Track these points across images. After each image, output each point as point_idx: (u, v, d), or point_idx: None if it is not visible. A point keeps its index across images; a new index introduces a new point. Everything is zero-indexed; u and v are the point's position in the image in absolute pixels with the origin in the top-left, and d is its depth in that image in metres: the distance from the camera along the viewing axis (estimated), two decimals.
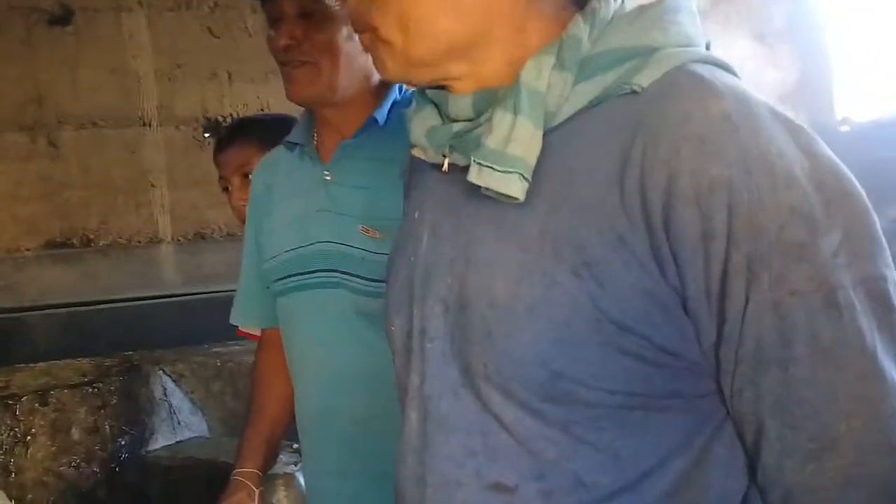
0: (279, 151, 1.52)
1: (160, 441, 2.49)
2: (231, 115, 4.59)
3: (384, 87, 1.41)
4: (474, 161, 0.73)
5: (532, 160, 0.71)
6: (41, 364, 2.66)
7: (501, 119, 0.73)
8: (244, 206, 1.70)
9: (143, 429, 2.50)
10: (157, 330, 3.82)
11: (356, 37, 1.38)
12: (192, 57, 4.70)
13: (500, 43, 0.75)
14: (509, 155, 0.71)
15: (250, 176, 1.64)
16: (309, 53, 1.35)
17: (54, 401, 2.46)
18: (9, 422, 2.41)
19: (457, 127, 0.78)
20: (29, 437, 2.38)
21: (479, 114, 0.76)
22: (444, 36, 0.75)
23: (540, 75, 0.72)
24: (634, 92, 0.70)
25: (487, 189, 0.73)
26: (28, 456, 2.38)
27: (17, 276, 4.31)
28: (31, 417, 2.43)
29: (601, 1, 0.74)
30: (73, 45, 4.55)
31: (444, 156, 0.79)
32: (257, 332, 1.76)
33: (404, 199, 0.95)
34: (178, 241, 4.62)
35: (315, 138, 1.45)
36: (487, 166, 0.72)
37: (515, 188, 0.71)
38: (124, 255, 4.52)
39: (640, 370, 0.68)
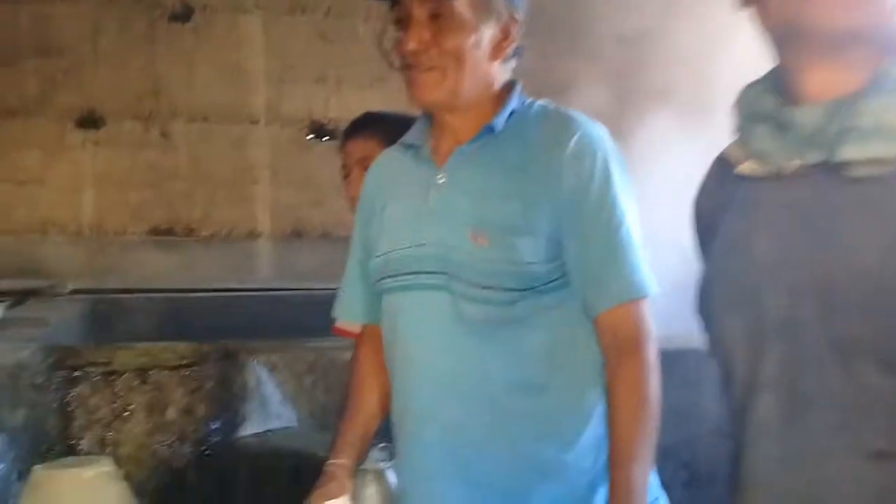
0: (394, 151, 1.54)
1: (250, 429, 2.55)
2: (335, 118, 4.70)
3: (505, 95, 1.43)
4: (846, 144, 0.83)
5: None
6: (142, 344, 2.75)
7: (867, 107, 0.84)
8: (357, 198, 1.72)
9: (235, 415, 2.56)
10: (251, 321, 3.94)
11: (482, 44, 1.41)
12: (303, 60, 4.83)
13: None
14: (885, 126, 0.83)
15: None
16: (436, 58, 1.36)
17: (153, 380, 2.54)
18: (109, 397, 2.51)
19: (808, 130, 0.87)
20: (127, 414, 2.47)
21: (829, 118, 0.86)
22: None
23: None
24: None
25: (859, 167, 0.82)
26: (125, 431, 2.47)
27: (123, 259, 4.48)
28: (130, 395, 2.52)
29: None
30: (192, 41, 4.73)
31: (796, 159, 0.88)
32: (353, 331, 1.79)
33: (716, 214, 1.02)
34: (276, 237, 4.75)
35: (431, 141, 1.47)
36: (860, 143, 0.83)
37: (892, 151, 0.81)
38: (223, 246, 4.67)
39: None
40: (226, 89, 4.75)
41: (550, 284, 1.35)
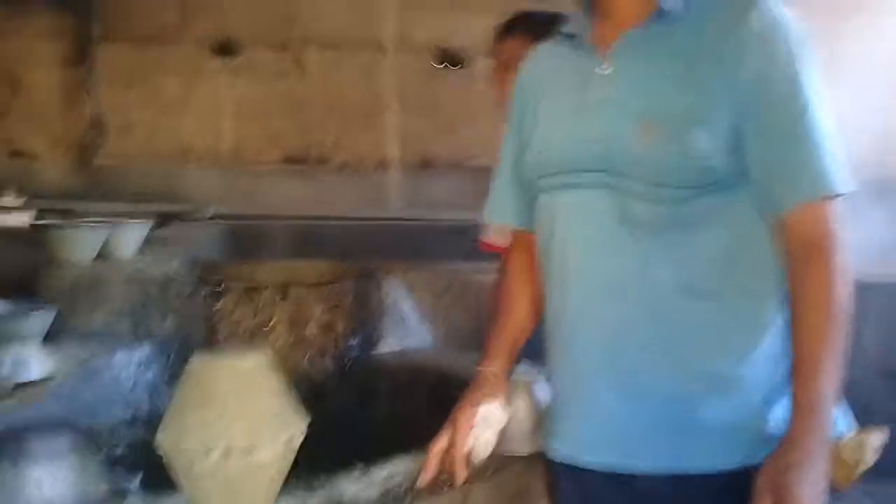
0: (551, 45, 1.45)
1: (387, 346, 2.56)
2: (463, 47, 4.61)
3: None
4: None
5: None
6: (282, 262, 2.79)
7: None
8: (507, 98, 1.65)
9: (373, 332, 2.57)
10: (381, 249, 3.96)
11: None
12: None
13: None
14: None
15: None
16: None
17: (293, 296, 2.57)
18: (252, 311, 2.55)
19: None
20: (269, 328, 2.51)
21: None
22: None
23: None
24: None
25: None
26: (267, 344, 2.51)
27: (259, 185, 4.58)
28: (271, 309, 2.55)
29: None
30: None
31: None
32: (501, 245, 1.74)
33: None
34: (406, 166, 4.75)
35: (593, 30, 1.38)
36: None
37: None
38: (354, 175, 4.69)
39: None
40: (356, 17, 4.74)
41: (728, 181, 1.24)
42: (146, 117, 4.59)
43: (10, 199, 4.15)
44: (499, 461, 1.44)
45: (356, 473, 1.43)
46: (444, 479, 1.37)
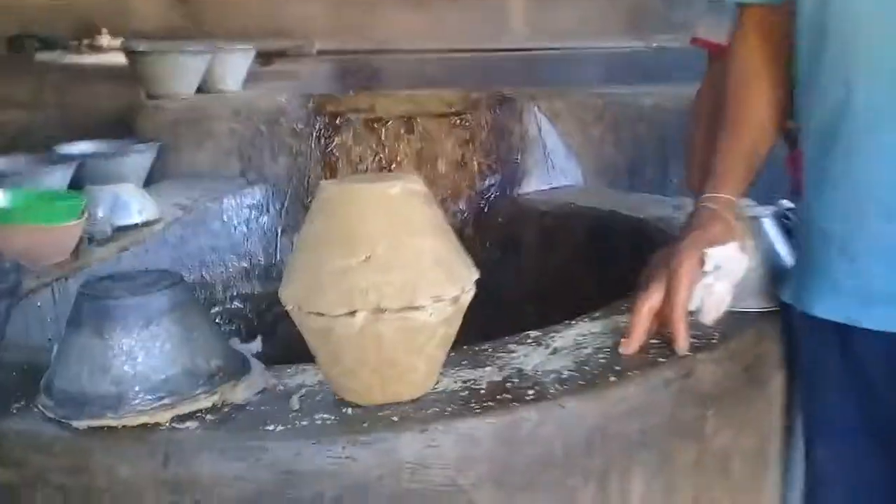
0: None
1: (533, 184, 2.19)
2: None
3: None
4: None
5: None
6: (404, 92, 2.43)
7: None
8: None
9: (515, 169, 2.21)
10: (511, 82, 3.55)
11: None
12: None
13: None
14: None
15: None
16: None
17: (420, 129, 2.22)
18: (374, 146, 2.22)
19: None
20: (394, 166, 2.18)
21: None
22: None
23: None
24: None
25: None
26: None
27: (369, 17, 4.17)
28: (396, 144, 2.22)
29: None
30: None
31: None
32: (717, 40, 1.40)
33: None
34: None
35: None
36: None
37: None
38: (472, 2, 4.23)
39: None
40: None
41: None
42: None
43: (106, 39, 3.88)
44: (727, 323, 1.08)
45: (529, 340, 1.10)
46: (657, 346, 1.02)
